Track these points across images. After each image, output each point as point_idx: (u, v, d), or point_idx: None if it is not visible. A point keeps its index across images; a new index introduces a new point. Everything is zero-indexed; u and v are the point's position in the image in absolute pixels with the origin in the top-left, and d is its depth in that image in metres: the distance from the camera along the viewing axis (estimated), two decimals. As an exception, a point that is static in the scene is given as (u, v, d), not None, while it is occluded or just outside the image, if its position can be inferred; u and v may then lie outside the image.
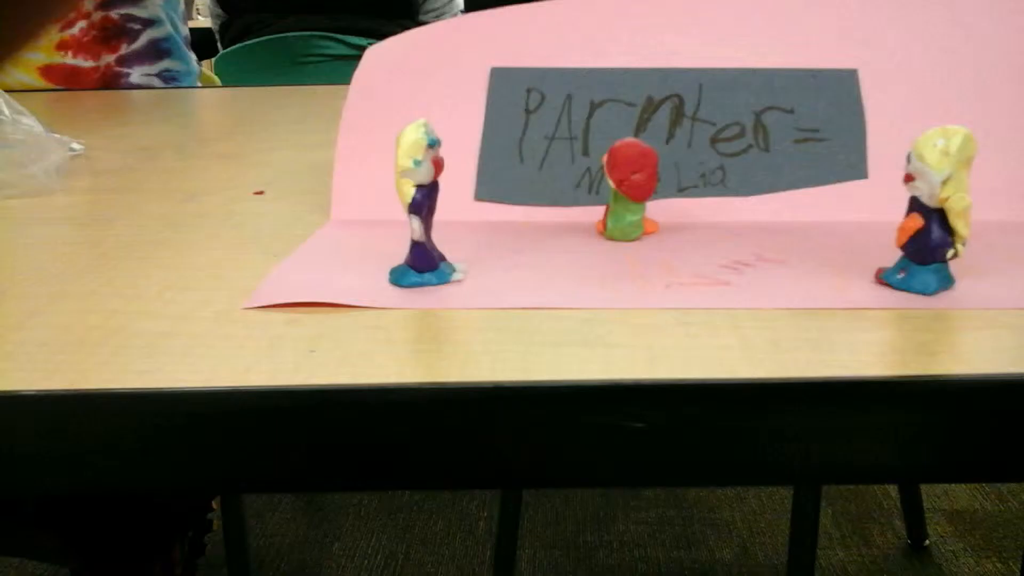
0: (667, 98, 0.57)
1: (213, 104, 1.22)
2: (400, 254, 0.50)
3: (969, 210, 0.43)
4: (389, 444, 0.36)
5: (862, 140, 0.56)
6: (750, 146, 0.56)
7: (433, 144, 0.45)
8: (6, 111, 0.82)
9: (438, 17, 2.02)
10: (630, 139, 0.53)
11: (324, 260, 0.50)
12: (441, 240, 0.53)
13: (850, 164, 0.55)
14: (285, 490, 0.35)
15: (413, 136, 0.45)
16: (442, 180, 0.57)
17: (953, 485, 1.50)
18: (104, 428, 0.36)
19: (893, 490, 1.53)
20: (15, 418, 0.36)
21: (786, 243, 0.51)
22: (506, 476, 0.37)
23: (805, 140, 0.56)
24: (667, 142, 0.56)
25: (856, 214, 0.55)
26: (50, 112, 1.15)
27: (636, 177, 0.52)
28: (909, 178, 0.44)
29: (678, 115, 0.56)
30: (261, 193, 0.68)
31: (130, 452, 0.36)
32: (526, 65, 0.58)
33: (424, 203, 0.46)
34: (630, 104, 0.57)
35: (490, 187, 0.57)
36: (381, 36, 2.06)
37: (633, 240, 0.54)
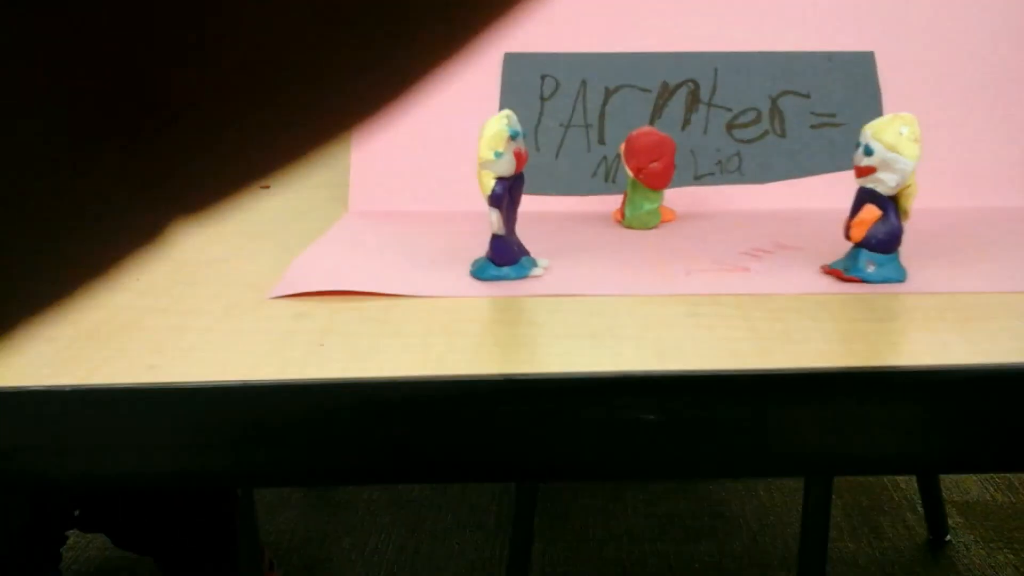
0: (682, 83, 0.56)
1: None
2: (422, 243, 0.50)
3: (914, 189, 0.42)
4: (396, 437, 0.35)
5: None
6: (766, 132, 0.56)
7: (515, 136, 0.43)
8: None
9: None
10: (647, 128, 0.53)
11: (349, 249, 0.50)
12: (453, 232, 0.53)
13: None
14: (296, 484, 0.35)
15: (495, 127, 0.43)
16: (457, 169, 0.57)
17: (964, 477, 1.50)
18: (113, 423, 0.36)
19: (903, 482, 1.53)
20: (24, 413, 0.36)
21: (804, 230, 0.51)
22: (514, 469, 0.37)
23: (822, 125, 0.55)
24: (683, 128, 0.56)
25: None
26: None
27: (654, 166, 0.52)
28: (868, 171, 0.42)
29: (694, 100, 0.56)
30: (268, 187, 0.68)
31: (140, 447, 0.36)
32: (539, 48, 0.57)
33: (504, 196, 0.44)
34: (645, 90, 0.56)
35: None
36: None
37: (651, 228, 0.53)
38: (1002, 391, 0.35)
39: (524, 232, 0.49)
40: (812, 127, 0.56)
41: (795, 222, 0.52)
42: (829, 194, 0.55)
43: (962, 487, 1.47)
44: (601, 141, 0.56)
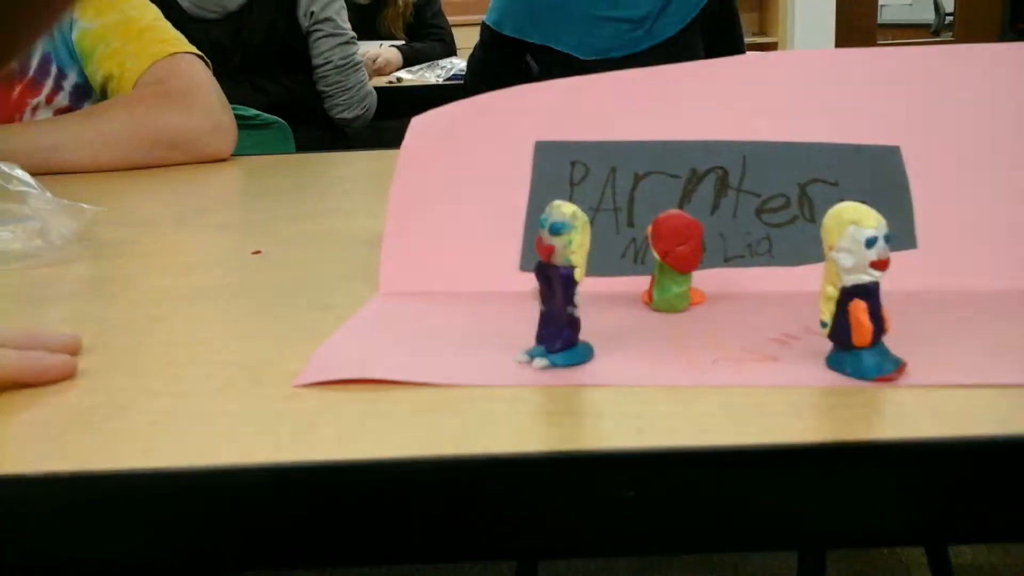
0: (711, 170, 0.57)
1: (209, 173, 1.21)
2: (454, 325, 0.50)
3: None
4: (386, 516, 0.36)
5: (909, 211, 0.56)
6: (796, 217, 0.56)
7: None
8: (16, 179, 0.81)
9: (329, 65, 2.04)
10: (675, 211, 0.53)
11: (380, 333, 0.50)
12: (487, 312, 0.53)
13: (898, 234, 0.56)
14: (289, 566, 0.36)
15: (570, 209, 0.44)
16: (488, 252, 0.57)
17: (958, 541, 1.50)
18: (107, 509, 0.36)
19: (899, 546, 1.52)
20: (20, 501, 0.36)
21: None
22: (504, 547, 0.38)
23: None
24: (712, 213, 0.56)
25: (907, 283, 0.55)
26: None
27: (681, 249, 0.52)
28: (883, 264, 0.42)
29: (723, 186, 0.56)
30: (259, 253, 0.68)
31: (132, 532, 0.36)
32: (570, 138, 0.58)
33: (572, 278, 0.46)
34: (674, 176, 0.57)
35: (535, 258, 0.57)
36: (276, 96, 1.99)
37: (679, 311, 0.53)
38: (985, 463, 0.36)
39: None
40: None
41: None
42: None
43: (955, 551, 1.47)
44: (630, 224, 0.56)
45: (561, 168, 0.57)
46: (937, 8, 5.76)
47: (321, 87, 2.10)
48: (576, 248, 0.45)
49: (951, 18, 5.58)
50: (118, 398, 0.43)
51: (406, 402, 0.41)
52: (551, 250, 0.45)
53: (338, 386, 0.43)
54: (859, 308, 0.42)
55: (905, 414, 0.39)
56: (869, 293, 0.42)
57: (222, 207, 0.96)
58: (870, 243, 0.42)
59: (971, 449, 0.36)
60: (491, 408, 0.41)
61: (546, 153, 0.58)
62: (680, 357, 0.46)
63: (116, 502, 0.36)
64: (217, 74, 1.28)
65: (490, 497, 0.37)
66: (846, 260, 0.42)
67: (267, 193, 1.01)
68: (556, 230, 0.44)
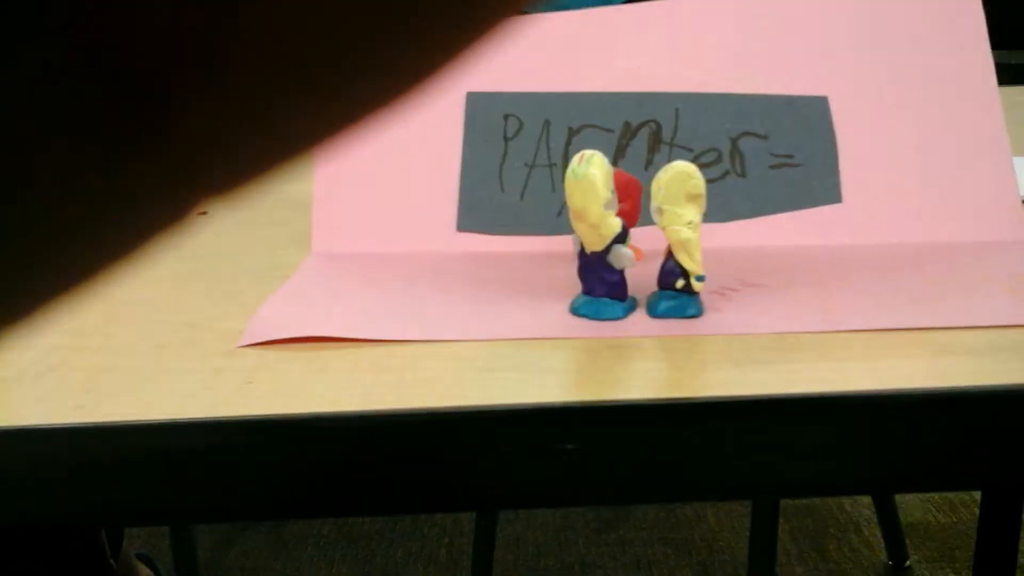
0: (644, 123, 0.57)
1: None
2: (397, 286, 0.50)
3: (690, 244, 0.44)
4: (338, 470, 0.37)
5: (835, 165, 0.57)
6: (727, 172, 0.57)
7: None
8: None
9: None
10: (615, 169, 0.53)
11: (318, 293, 0.50)
12: (424, 272, 0.53)
13: (825, 188, 0.57)
14: (229, 519, 0.36)
15: (603, 168, 0.43)
16: (423, 209, 0.57)
17: (906, 499, 1.53)
18: (40, 463, 0.36)
19: (848, 503, 1.55)
20: None
21: (765, 267, 0.52)
22: (462, 499, 0.39)
23: (781, 166, 0.57)
24: (646, 168, 0.57)
25: (832, 238, 0.56)
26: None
27: (621, 207, 0.53)
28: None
29: (656, 141, 0.57)
30: (205, 213, 0.68)
31: (66, 486, 0.37)
32: (501, 86, 0.57)
33: (627, 232, 0.45)
34: (608, 130, 0.57)
35: (472, 217, 0.57)
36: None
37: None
38: (934, 413, 0.37)
39: (489, 274, 0.50)
40: (771, 167, 0.57)
41: (756, 259, 0.53)
42: (788, 232, 0.57)
43: (904, 509, 1.51)
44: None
45: (494, 121, 0.57)
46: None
47: None
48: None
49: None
50: (52, 356, 0.43)
51: (346, 359, 0.41)
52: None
53: (278, 345, 0.43)
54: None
55: (848, 371, 0.40)
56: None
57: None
58: None
59: (910, 402, 0.37)
60: (434, 365, 0.41)
61: (478, 105, 0.58)
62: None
63: (47, 457, 0.36)
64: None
65: (427, 450, 0.37)
66: None
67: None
68: None
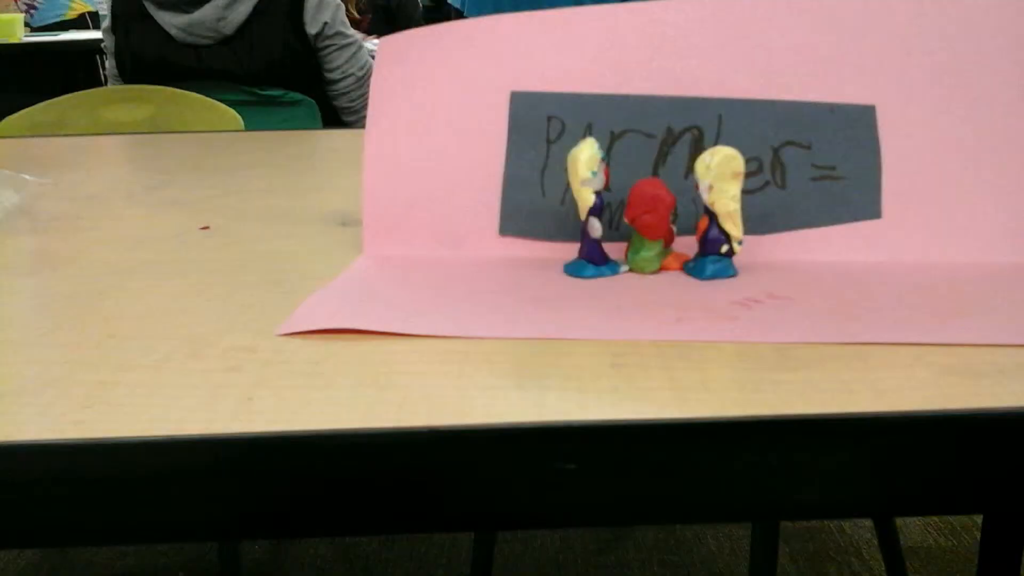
0: (687, 129, 0.57)
1: (154, 149, 1.20)
2: (434, 288, 0.53)
3: (735, 214, 0.52)
4: (337, 488, 0.36)
5: (877, 179, 0.56)
6: (767, 183, 0.56)
7: (603, 158, 0.53)
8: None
9: (346, 79, 1.92)
10: (652, 179, 0.55)
11: (360, 291, 0.52)
12: (462, 277, 0.54)
13: (865, 203, 0.56)
14: (227, 538, 0.35)
15: (589, 152, 0.53)
16: (466, 211, 0.58)
17: (907, 523, 1.52)
18: (38, 479, 0.36)
19: (848, 526, 1.55)
20: None
21: (796, 280, 0.52)
22: (459, 519, 0.37)
23: (822, 178, 0.56)
24: (686, 177, 0.57)
25: (870, 255, 0.55)
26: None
27: (647, 217, 0.53)
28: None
29: (697, 149, 0.56)
30: (207, 228, 0.68)
31: (64, 503, 0.36)
32: (545, 83, 0.57)
33: (602, 206, 0.54)
34: (650, 135, 0.57)
35: (514, 222, 0.57)
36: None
37: (649, 274, 0.54)
38: (937, 436, 0.37)
39: (521, 278, 0.53)
40: (812, 180, 0.56)
41: (787, 273, 0.53)
42: (824, 246, 0.56)
43: (905, 532, 1.50)
44: (607, 188, 0.56)
45: (538, 123, 0.57)
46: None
47: (343, 103, 1.95)
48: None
49: None
50: (53, 371, 0.42)
51: (348, 375, 0.41)
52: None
53: (278, 362, 0.43)
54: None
55: (852, 391, 0.39)
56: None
57: (173, 183, 0.95)
58: None
59: (912, 424, 0.37)
60: (438, 382, 0.40)
61: (522, 105, 0.57)
62: (644, 315, 0.47)
63: (45, 472, 0.36)
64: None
65: (427, 469, 0.36)
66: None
67: (221, 170, 0.99)
68: None
